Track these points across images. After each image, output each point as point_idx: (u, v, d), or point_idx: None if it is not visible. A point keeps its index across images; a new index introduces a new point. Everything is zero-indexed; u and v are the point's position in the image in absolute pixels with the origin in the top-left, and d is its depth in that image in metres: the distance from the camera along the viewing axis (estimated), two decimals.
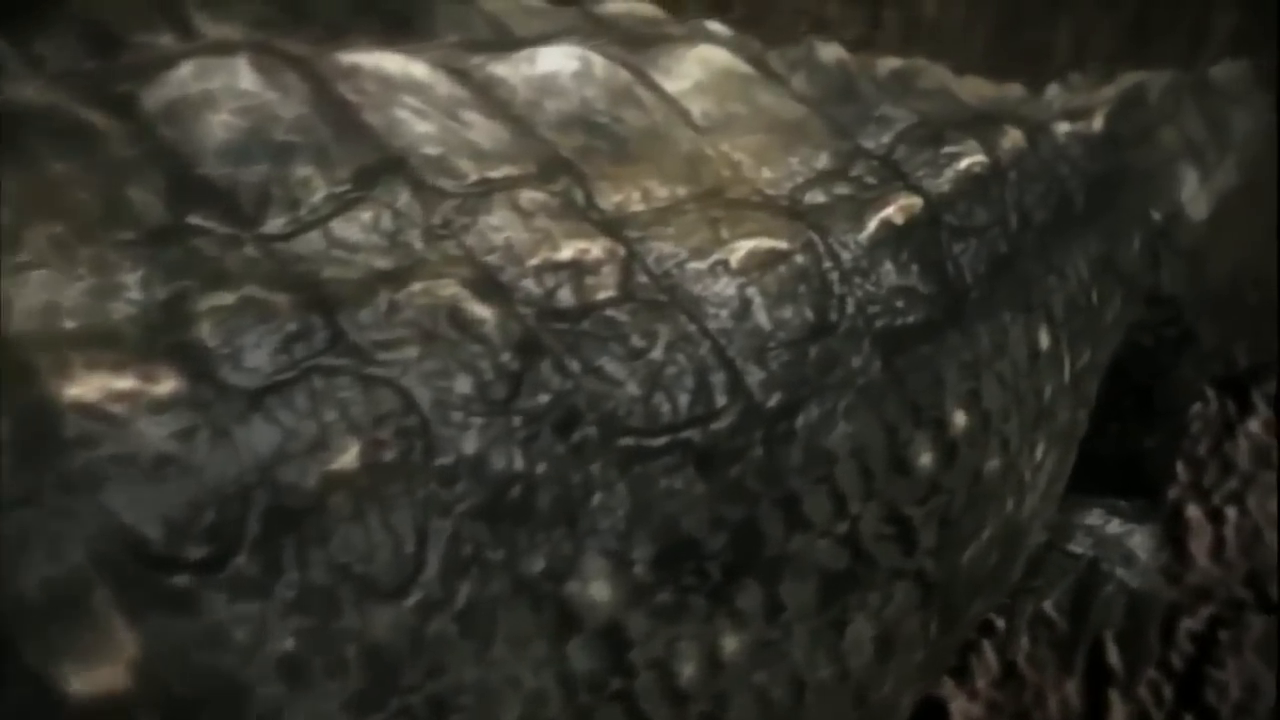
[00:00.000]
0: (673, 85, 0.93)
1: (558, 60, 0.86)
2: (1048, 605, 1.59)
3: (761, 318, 0.79)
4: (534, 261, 0.70)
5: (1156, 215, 1.47)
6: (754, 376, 0.77)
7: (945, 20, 2.36)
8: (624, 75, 0.89)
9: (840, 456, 0.81)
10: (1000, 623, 1.54)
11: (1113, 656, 1.55)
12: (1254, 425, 2.04)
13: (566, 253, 0.72)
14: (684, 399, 0.72)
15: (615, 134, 0.84)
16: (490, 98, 0.81)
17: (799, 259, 0.84)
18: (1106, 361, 1.34)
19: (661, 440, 0.70)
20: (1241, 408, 2.07)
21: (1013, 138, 1.13)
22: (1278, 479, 1.86)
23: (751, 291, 0.80)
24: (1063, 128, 1.29)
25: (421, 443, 0.59)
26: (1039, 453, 1.09)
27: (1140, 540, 1.66)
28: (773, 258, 0.82)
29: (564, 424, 0.66)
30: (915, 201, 0.95)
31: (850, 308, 0.86)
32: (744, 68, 0.99)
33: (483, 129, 0.77)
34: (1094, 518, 1.65)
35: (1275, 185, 2.14)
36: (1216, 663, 1.55)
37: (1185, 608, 1.63)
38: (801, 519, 0.78)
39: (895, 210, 0.93)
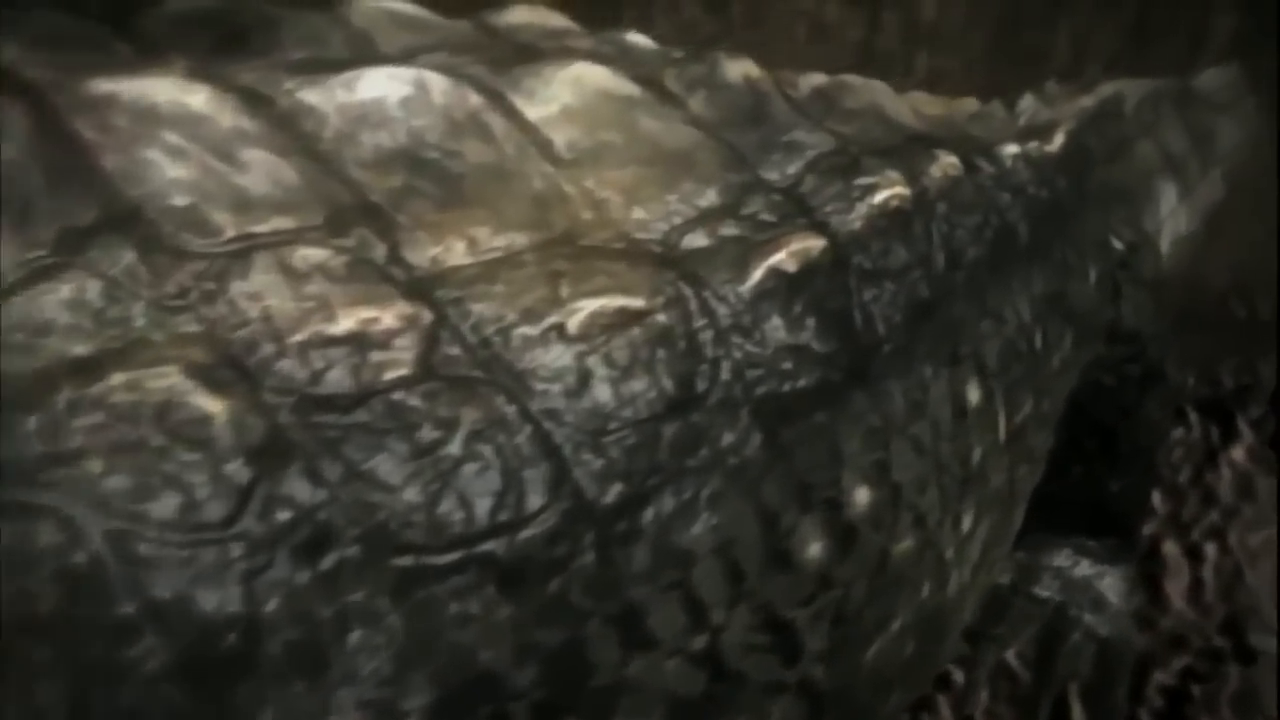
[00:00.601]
0: (535, 111, 0.80)
1: (383, 85, 0.73)
2: (1010, 655, 1.50)
3: (603, 393, 0.67)
4: (299, 337, 0.58)
5: (1117, 243, 1.34)
6: (587, 467, 0.64)
7: (945, 22, 2.31)
8: (472, 100, 0.76)
9: (700, 555, 0.69)
10: (958, 675, 1.44)
11: (1077, 713, 1.45)
12: (1238, 453, 1.95)
13: (346, 323, 0.59)
14: (485, 503, 0.59)
15: (447, 171, 0.71)
16: (290, 131, 0.68)
17: (660, 318, 0.72)
18: (1058, 410, 1.22)
19: (451, 557, 0.58)
20: (1225, 433, 1.97)
21: (944, 165, 1.01)
22: (1277, 512, 1.75)
23: (593, 361, 0.67)
24: (1010, 149, 1.16)
25: (90, 588, 0.47)
26: (966, 523, 0.96)
27: (1111, 583, 1.56)
28: (624, 318, 0.70)
29: (310, 546, 0.53)
30: (815, 243, 0.83)
31: (725, 373, 0.73)
32: (628, 88, 0.87)
33: (262, 171, 0.64)
34: (1061, 559, 1.55)
35: (1269, 196, 2.04)
36: None
37: (1157, 658, 1.55)
38: (644, 637, 0.65)
39: (788, 255, 0.81)
